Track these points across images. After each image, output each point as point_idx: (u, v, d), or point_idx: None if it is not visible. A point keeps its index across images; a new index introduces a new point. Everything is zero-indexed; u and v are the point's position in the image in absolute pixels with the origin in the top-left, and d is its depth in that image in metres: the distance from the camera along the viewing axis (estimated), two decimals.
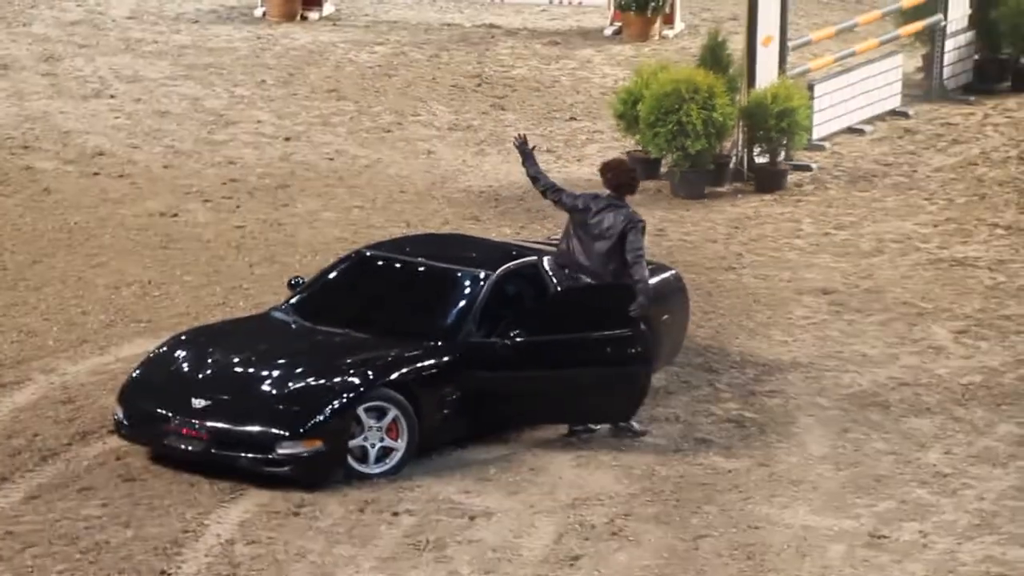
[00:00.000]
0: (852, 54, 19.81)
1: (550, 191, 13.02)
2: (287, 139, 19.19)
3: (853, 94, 19.51)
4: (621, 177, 12.90)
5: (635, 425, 12.81)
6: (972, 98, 20.73)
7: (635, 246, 12.56)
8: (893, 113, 20.11)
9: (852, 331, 14.90)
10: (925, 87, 20.88)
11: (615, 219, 12.68)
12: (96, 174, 17.96)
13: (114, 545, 11.22)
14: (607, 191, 12.89)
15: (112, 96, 20.27)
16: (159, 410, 12.18)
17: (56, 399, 13.11)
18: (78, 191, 17.49)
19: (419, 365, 12.37)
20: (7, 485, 11.89)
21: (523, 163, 13.11)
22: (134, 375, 12.57)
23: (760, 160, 18.31)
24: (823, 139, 19.20)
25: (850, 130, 19.59)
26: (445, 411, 12.39)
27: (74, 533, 11.34)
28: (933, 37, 20.72)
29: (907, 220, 17.46)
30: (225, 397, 12.15)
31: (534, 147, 13.28)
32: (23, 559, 10.99)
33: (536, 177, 13.08)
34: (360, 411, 12.07)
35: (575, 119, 20.06)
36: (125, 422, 12.33)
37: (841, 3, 24.58)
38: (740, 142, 18.31)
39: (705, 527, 11.64)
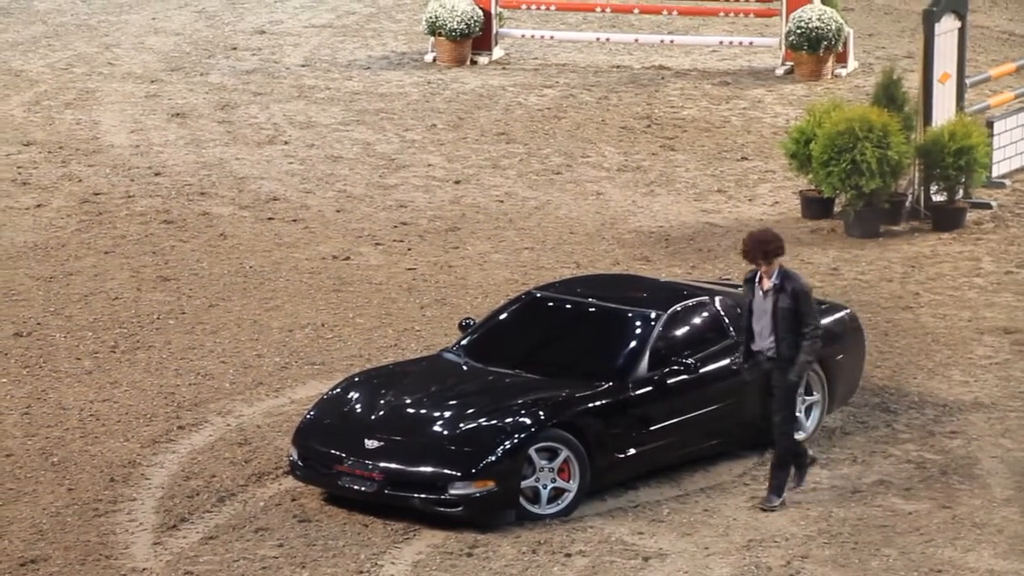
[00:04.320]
0: None
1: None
2: (457, 182, 19.28)
3: None
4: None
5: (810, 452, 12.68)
6: None
7: None
8: None
9: None
10: None
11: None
12: (271, 219, 18.20)
13: None
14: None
15: (286, 142, 20.55)
16: (333, 451, 12.25)
17: (232, 441, 13.26)
18: (253, 236, 17.73)
19: (590, 405, 12.30)
20: (186, 526, 12.03)
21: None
22: (308, 417, 12.67)
23: (937, 198, 17.96)
24: (1003, 176, 18.77)
25: None
26: (616, 451, 12.30)
27: (251, 573, 11.42)
28: None
29: None
30: (398, 438, 12.19)
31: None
32: None
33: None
34: (532, 452, 12.03)
35: (746, 159, 19.88)
36: (300, 463, 12.43)
37: (1021, 39, 24.09)
38: (916, 180, 17.98)
39: (885, 570, 11.37)
